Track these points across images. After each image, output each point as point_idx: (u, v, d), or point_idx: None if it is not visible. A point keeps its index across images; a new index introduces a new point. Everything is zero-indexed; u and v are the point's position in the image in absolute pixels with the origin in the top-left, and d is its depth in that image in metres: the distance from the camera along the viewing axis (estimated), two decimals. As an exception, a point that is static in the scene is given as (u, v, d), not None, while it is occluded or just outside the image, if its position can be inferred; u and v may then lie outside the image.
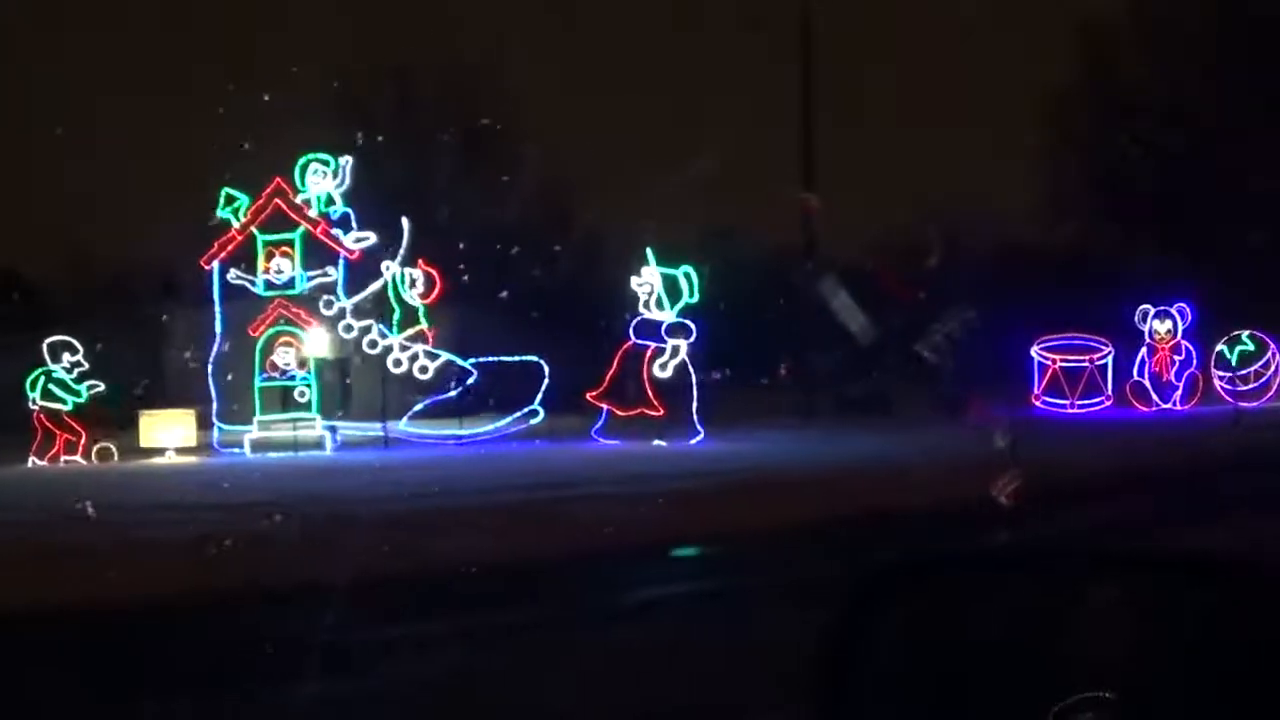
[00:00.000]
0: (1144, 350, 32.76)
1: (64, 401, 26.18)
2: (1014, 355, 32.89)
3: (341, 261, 27.43)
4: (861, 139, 70.38)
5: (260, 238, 27.38)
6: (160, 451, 26.65)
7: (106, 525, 14.23)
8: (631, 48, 79.33)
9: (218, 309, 27.82)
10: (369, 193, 30.24)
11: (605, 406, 26.68)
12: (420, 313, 27.77)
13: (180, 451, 26.80)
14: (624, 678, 7.04)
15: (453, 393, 27.93)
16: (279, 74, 52.27)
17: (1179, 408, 31.85)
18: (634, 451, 23.71)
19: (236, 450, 26.59)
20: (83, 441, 26.05)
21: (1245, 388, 31.49)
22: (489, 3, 79.14)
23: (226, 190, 27.47)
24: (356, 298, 27.48)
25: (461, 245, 36.60)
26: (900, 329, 34.97)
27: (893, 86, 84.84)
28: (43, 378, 26.28)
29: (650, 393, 26.29)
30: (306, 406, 27.22)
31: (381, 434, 27.54)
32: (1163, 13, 42.40)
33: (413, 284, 27.58)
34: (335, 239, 27.32)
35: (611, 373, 26.85)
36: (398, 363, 27.52)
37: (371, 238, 27.62)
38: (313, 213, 27.29)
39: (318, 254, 27.49)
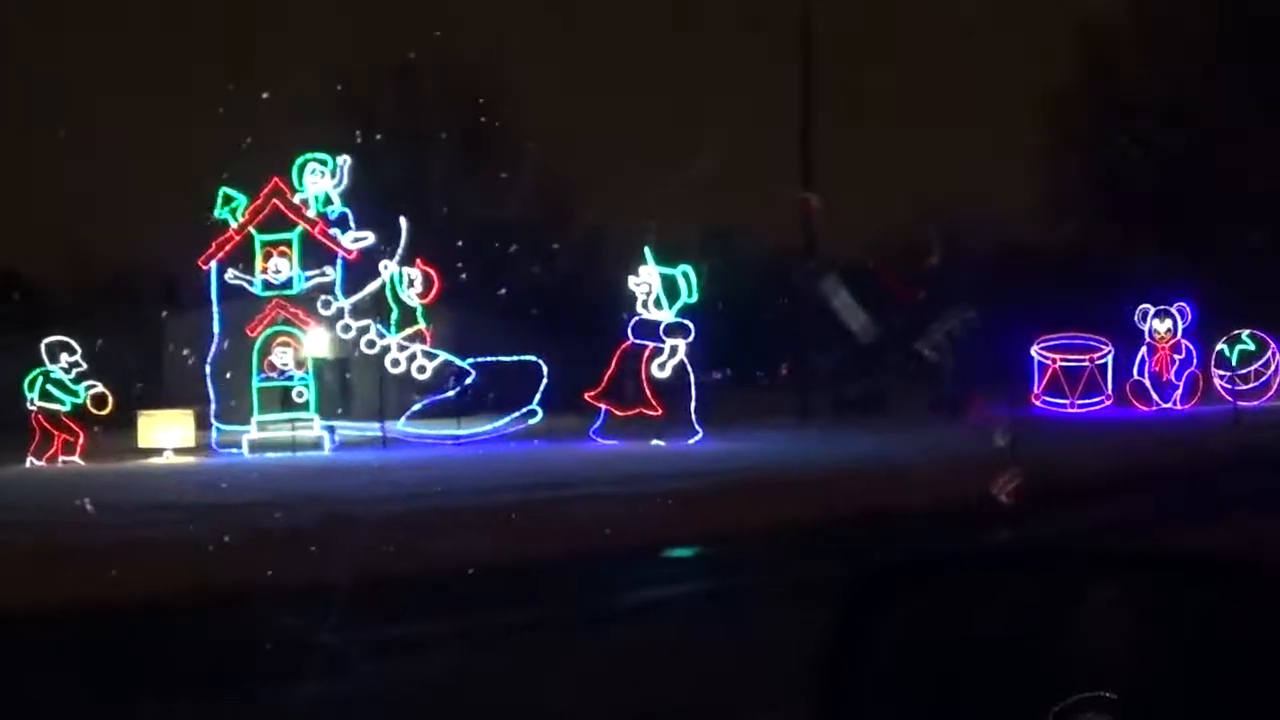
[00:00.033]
0: (1144, 349, 32.76)
1: (62, 402, 26.17)
2: (1014, 355, 32.90)
3: (339, 261, 27.41)
4: (861, 139, 70.53)
5: (258, 238, 27.36)
6: (158, 452, 26.63)
7: (105, 525, 14.22)
8: (631, 48, 79.43)
9: (215, 309, 27.80)
10: (368, 192, 30.24)
11: (603, 406, 26.66)
12: (418, 313, 27.76)
13: (178, 452, 26.77)
14: (623, 678, 7.03)
15: (451, 393, 27.91)
16: (279, 74, 52.36)
17: (1179, 407, 31.85)
18: (632, 451, 23.69)
19: (235, 450, 26.58)
20: (80, 442, 26.06)
21: (1245, 387, 31.49)
22: (489, 3, 79.17)
23: (224, 190, 27.45)
24: (354, 298, 27.46)
25: (460, 245, 36.67)
26: (900, 328, 35.01)
27: (893, 86, 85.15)
28: (41, 378, 26.27)
29: (648, 393, 26.27)
30: (305, 407, 27.20)
31: (380, 434, 27.53)
32: (1163, 13, 42.42)
33: (411, 284, 27.56)
34: (333, 239, 27.29)
35: (610, 373, 26.83)
36: (396, 363, 27.49)
37: (369, 238, 27.60)
38: (311, 213, 27.27)
39: (316, 254, 27.47)
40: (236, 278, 27.47)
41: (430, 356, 27.65)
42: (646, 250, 27.05)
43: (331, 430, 27.33)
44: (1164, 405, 31.99)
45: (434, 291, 27.95)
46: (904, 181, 72.44)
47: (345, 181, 27.51)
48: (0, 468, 24.34)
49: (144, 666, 7.93)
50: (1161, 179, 42.93)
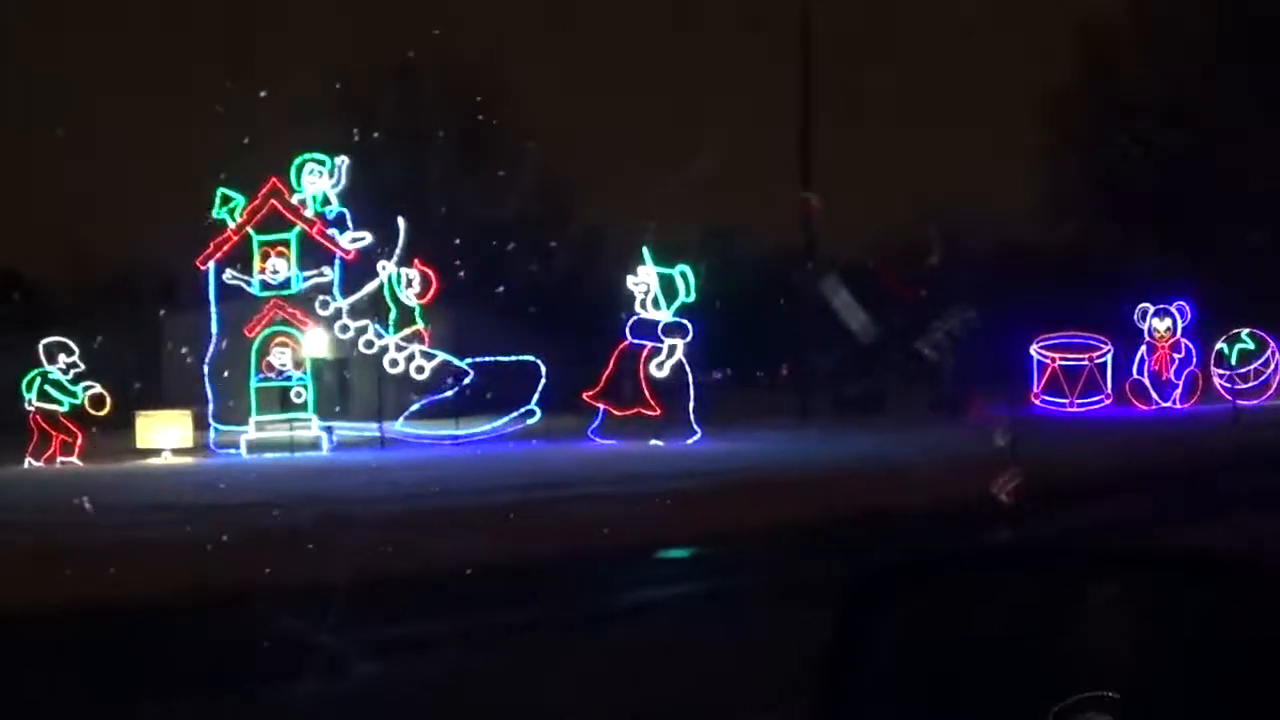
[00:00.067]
0: (1143, 348, 32.78)
1: (59, 403, 26.16)
2: (1014, 354, 32.91)
3: (337, 262, 27.39)
4: (861, 139, 70.57)
5: (256, 238, 27.35)
6: (156, 452, 26.63)
7: (103, 525, 14.21)
8: (631, 48, 79.43)
9: (213, 309, 27.79)
10: (368, 192, 30.24)
11: (602, 406, 26.66)
12: (416, 313, 27.75)
13: (176, 452, 26.77)
14: (622, 678, 7.03)
15: (449, 393, 27.89)
16: (279, 74, 52.37)
17: (1178, 406, 31.87)
18: (630, 451, 23.69)
19: (233, 451, 26.57)
20: (78, 442, 26.05)
21: (1245, 386, 31.49)
22: (489, 3, 79.18)
23: (222, 190, 27.45)
24: (352, 298, 27.44)
25: (459, 244, 36.65)
26: (900, 328, 35.06)
27: (893, 86, 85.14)
28: (38, 379, 26.26)
29: (647, 392, 26.26)
30: (303, 407, 27.19)
31: (378, 434, 27.51)
32: (1163, 13, 42.42)
33: (409, 284, 27.55)
34: (331, 239, 27.28)
35: (608, 372, 26.82)
36: (394, 363, 27.48)
37: (367, 238, 27.59)
38: (309, 213, 27.26)
39: (314, 254, 27.46)
40: (234, 278, 27.46)
41: (428, 356, 27.64)
42: (645, 250, 27.05)
43: (329, 430, 27.32)
44: (1163, 404, 32.01)
45: (432, 291, 27.94)
46: (904, 181, 72.54)
47: (343, 181, 27.51)
48: (-1, 468, 24.36)
49: (143, 666, 7.93)
50: (1161, 179, 42.93)
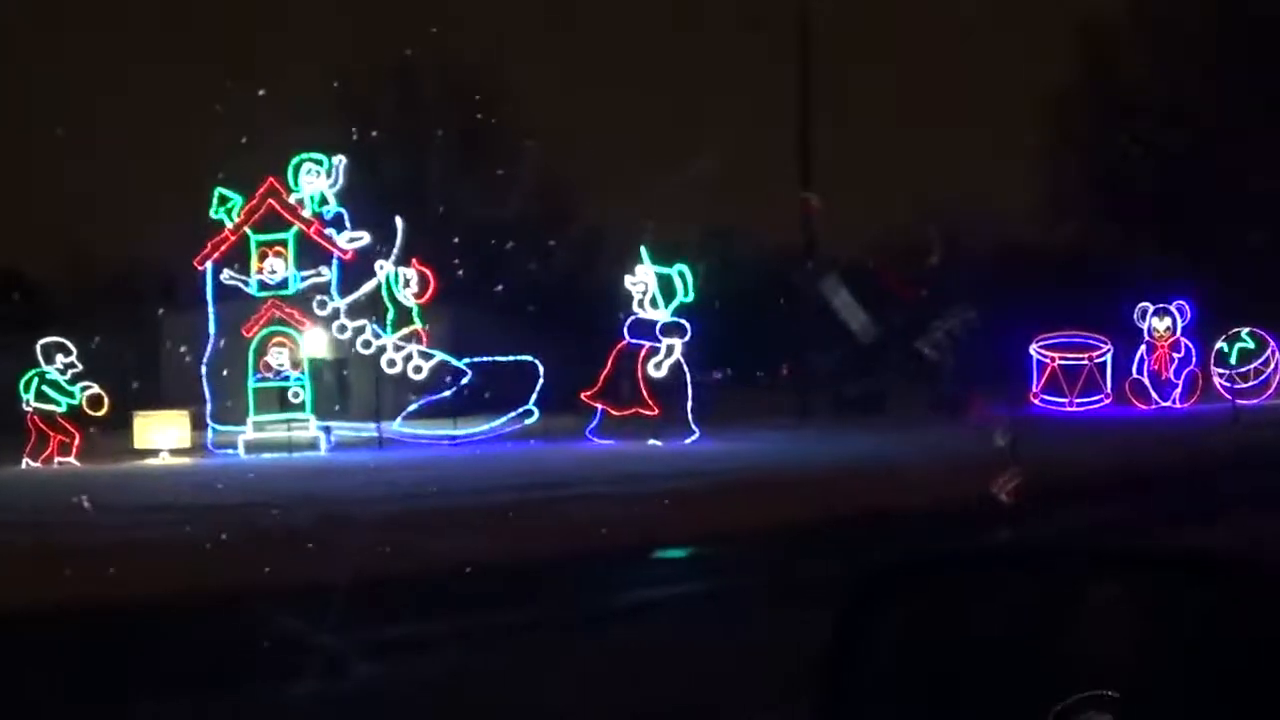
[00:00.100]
0: (1143, 348, 32.78)
1: (57, 403, 26.15)
2: (1014, 354, 32.91)
3: (335, 261, 27.37)
4: (861, 139, 70.58)
5: (253, 238, 27.34)
6: (154, 453, 26.62)
7: (102, 526, 14.21)
8: (631, 48, 79.45)
9: (211, 309, 27.78)
10: (368, 192, 30.22)
11: (600, 406, 26.64)
12: (414, 312, 27.73)
13: (174, 453, 26.76)
14: (622, 678, 7.02)
15: (447, 393, 27.88)
16: (279, 73, 52.37)
17: (1178, 405, 31.86)
18: (629, 451, 23.67)
19: (230, 451, 26.56)
20: (76, 443, 26.04)
21: (1244, 385, 31.49)
22: (489, 3, 79.21)
23: (220, 190, 27.44)
24: (350, 298, 27.43)
25: (458, 244, 36.64)
26: (900, 328, 35.03)
27: (893, 86, 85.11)
28: (36, 379, 26.25)
29: (645, 392, 26.25)
30: (300, 407, 27.18)
31: (376, 434, 27.48)
32: (1163, 13, 42.42)
33: (406, 284, 27.53)
34: (328, 239, 27.26)
35: (606, 372, 26.81)
36: (392, 363, 27.46)
37: (365, 237, 27.57)
38: (306, 212, 27.25)
39: (311, 254, 27.44)
40: (232, 278, 27.44)
41: (426, 356, 27.63)
42: (642, 249, 27.03)
43: (327, 430, 27.30)
44: (1163, 404, 32.01)
45: (430, 291, 27.92)
46: (904, 181, 72.49)
47: (341, 181, 27.50)
48: (-3, 468, 24.36)
49: (143, 666, 7.92)
50: (1161, 179, 42.94)
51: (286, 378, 27.29)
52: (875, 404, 35.19)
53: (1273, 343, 32.60)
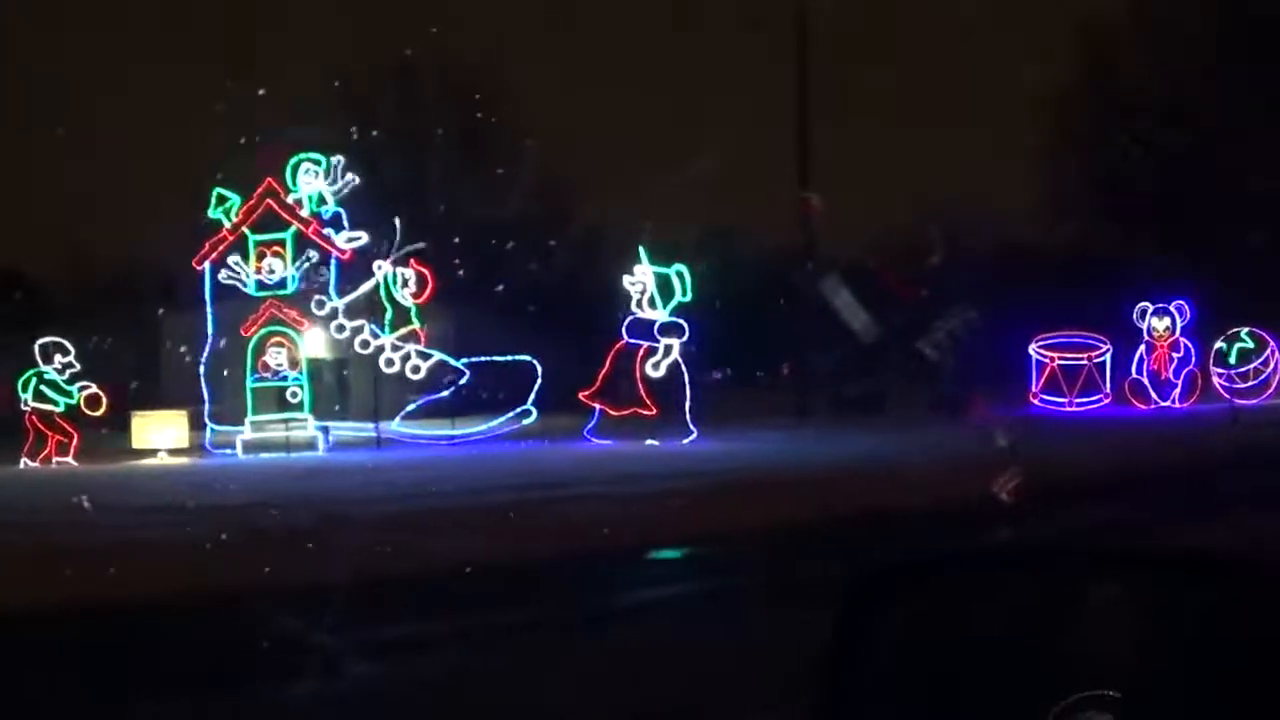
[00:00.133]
0: (1142, 348, 32.78)
1: (55, 403, 26.14)
2: (1014, 354, 32.91)
3: (333, 261, 27.35)
4: (861, 139, 70.57)
5: (252, 238, 27.32)
6: (152, 453, 26.62)
7: (101, 526, 14.20)
8: (631, 48, 79.45)
9: (209, 309, 27.77)
10: (367, 192, 30.19)
11: (598, 406, 26.63)
12: (412, 312, 27.71)
13: (173, 453, 26.74)
14: (622, 678, 7.02)
15: (445, 393, 27.87)
16: (279, 73, 52.36)
17: (1177, 405, 31.87)
18: (627, 451, 23.66)
19: (229, 451, 26.54)
20: (74, 443, 26.03)
21: (1244, 385, 31.50)
22: (489, 3, 79.21)
23: (218, 190, 27.43)
24: (348, 298, 27.41)
25: (458, 243, 36.65)
26: (901, 328, 35.05)
27: (892, 86, 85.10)
28: (34, 379, 26.24)
29: (643, 392, 26.23)
30: (299, 407, 27.17)
31: (374, 434, 27.46)
32: (1163, 13, 42.43)
33: (404, 284, 27.51)
34: (326, 239, 27.24)
35: (604, 372, 26.79)
36: (390, 363, 27.45)
37: (363, 237, 27.56)
38: (305, 212, 27.23)
39: (310, 254, 27.42)
40: (230, 278, 27.43)
41: (424, 356, 27.61)
42: (641, 249, 27.02)
43: (326, 430, 27.29)
44: (1162, 404, 32.01)
45: (428, 291, 27.90)
46: (904, 181, 72.50)
47: (339, 181, 27.47)
48: (-4, 468, 24.35)
49: (143, 666, 7.92)
50: (1161, 179, 42.94)
51: (285, 377, 27.27)
52: (875, 404, 35.18)
53: (1272, 343, 32.59)
